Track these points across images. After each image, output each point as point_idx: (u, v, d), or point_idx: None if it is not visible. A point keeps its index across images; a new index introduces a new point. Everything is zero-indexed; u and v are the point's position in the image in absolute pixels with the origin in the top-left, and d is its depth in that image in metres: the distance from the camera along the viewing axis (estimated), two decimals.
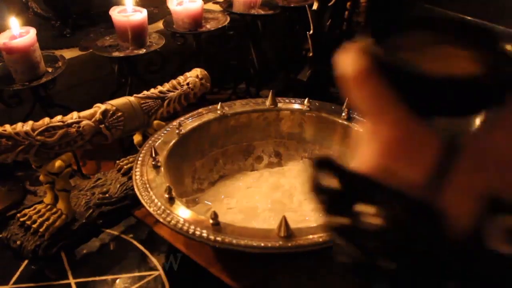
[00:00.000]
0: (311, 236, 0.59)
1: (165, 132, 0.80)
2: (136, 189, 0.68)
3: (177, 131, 0.79)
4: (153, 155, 0.73)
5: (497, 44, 0.28)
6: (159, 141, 0.78)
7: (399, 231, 0.25)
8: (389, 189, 0.25)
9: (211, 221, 0.61)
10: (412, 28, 0.29)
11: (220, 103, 0.86)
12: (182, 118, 0.83)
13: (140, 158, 0.74)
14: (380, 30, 0.27)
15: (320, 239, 0.59)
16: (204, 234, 0.60)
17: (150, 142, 0.78)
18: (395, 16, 0.29)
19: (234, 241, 0.59)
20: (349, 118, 0.84)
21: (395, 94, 0.26)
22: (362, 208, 0.25)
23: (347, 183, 0.26)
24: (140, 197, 0.67)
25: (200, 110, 0.85)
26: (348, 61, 0.27)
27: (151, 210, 0.64)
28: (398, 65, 0.26)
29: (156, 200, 0.65)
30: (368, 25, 0.24)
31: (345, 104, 0.84)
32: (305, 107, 0.87)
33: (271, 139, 0.89)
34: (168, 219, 0.62)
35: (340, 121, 0.84)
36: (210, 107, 0.87)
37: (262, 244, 0.58)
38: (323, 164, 0.27)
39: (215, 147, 0.85)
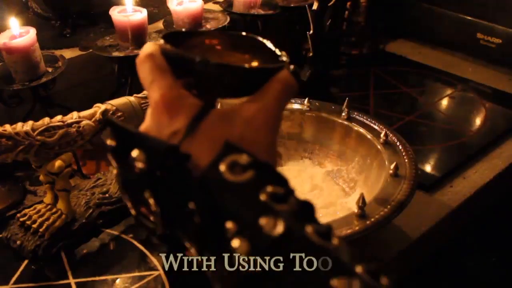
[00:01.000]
0: None
1: None
2: None
3: None
4: None
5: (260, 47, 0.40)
6: None
7: (157, 170, 0.32)
8: (153, 139, 0.34)
9: None
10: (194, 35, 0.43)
11: (220, 103, 0.86)
12: None
13: None
14: (169, 36, 0.39)
15: None
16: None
17: None
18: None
19: None
20: (349, 118, 0.84)
21: (166, 69, 0.36)
22: (132, 154, 0.33)
23: (122, 138, 0.34)
24: None
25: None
26: (145, 46, 0.37)
27: None
28: (178, 52, 0.37)
29: None
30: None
31: (345, 104, 0.84)
32: (305, 107, 0.87)
33: None
34: None
35: (340, 121, 0.84)
36: None
37: None
38: (108, 123, 0.35)
39: None
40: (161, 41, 0.38)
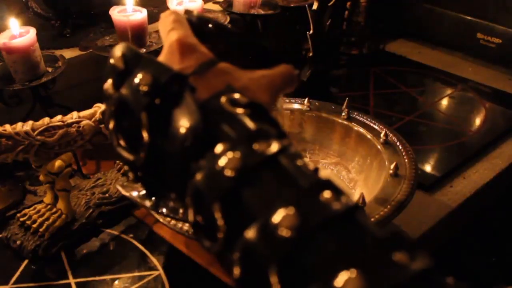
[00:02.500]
0: None
1: None
2: None
3: None
4: None
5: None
6: None
7: (158, 95, 0.33)
8: (161, 64, 0.34)
9: None
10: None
11: None
12: None
13: None
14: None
15: None
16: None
17: None
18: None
19: None
20: (349, 118, 0.84)
21: (187, 25, 0.39)
22: (138, 77, 0.33)
23: (131, 61, 0.34)
24: None
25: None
26: (167, 13, 0.40)
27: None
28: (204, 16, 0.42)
29: None
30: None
31: (345, 104, 0.84)
32: (305, 107, 0.87)
33: None
34: (168, 219, 0.62)
35: (340, 121, 0.84)
36: None
37: None
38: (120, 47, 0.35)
39: None
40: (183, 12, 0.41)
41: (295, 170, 0.29)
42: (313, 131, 0.87)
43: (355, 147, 0.82)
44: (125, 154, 0.35)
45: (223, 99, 0.32)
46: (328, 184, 0.28)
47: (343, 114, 0.84)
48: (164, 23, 0.39)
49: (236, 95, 0.33)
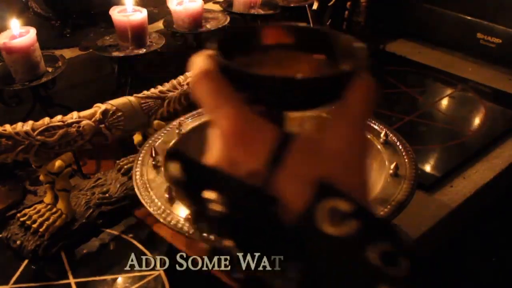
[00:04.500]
0: None
1: (165, 132, 0.80)
2: (136, 189, 0.68)
3: (177, 131, 0.79)
4: (153, 155, 0.73)
5: (333, 44, 0.34)
6: (159, 141, 0.78)
7: (238, 215, 0.28)
8: (230, 177, 0.29)
9: None
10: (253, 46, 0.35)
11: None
12: (182, 118, 0.83)
13: (140, 158, 0.74)
14: (224, 43, 0.33)
15: None
16: (205, 234, 0.60)
17: (150, 142, 0.78)
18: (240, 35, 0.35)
19: None
20: None
21: (232, 91, 0.30)
22: (207, 195, 0.28)
23: (193, 173, 0.29)
24: (140, 197, 0.67)
25: (200, 110, 0.85)
26: (196, 61, 0.31)
27: (151, 210, 0.64)
28: (238, 68, 0.31)
29: (156, 200, 0.65)
30: (213, 40, 0.32)
31: None
32: None
33: None
34: (168, 219, 0.62)
35: None
36: None
37: None
38: (173, 156, 0.30)
39: None
40: (213, 49, 0.32)
41: None
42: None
43: None
44: (224, 260, 0.31)
45: (319, 216, 0.26)
46: None
47: None
48: (202, 95, 0.31)
49: (334, 203, 0.26)
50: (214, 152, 0.30)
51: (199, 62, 0.31)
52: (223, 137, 0.30)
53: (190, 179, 0.29)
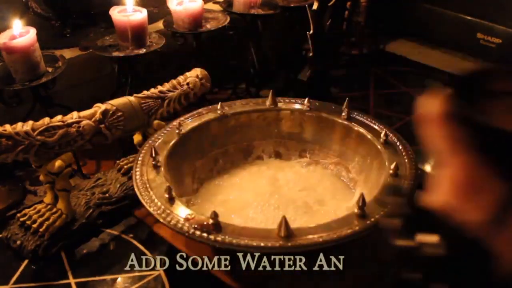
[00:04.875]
0: (310, 236, 0.59)
1: (165, 132, 0.80)
2: (136, 189, 0.68)
3: (177, 131, 0.79)
4: (153, 155, 0.73)
5: None
6: (159, 141, 0.78)
7: (453, 262, 0.28)
8: (452, 223, 0.29)
9: (211, 221, 0.61)
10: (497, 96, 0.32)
11: (220, 103, 0.86)
12: (182, 118, 0.83)
13: (140, 158, 0.74)
14: (465, 90, 0.31)
15: (320, 239, 0.59)
16: (204, 234, 0.60)
17: (150, 142, 0.78)
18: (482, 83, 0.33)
19: (234, 241, 0.59)
20: (349, 118, 0.84)
21: (468, 141, 0.29)
22: (425, 238, 0.29)
23: (414, 216, 0.31)
24: (140, 197, 0.67)
25: (200, 110, 0.85)
26: (432, 103, 0.31)
27: (151, 210, 0.64)
28: (482, 120, 0.29)
29: (156, 200, 0.65)
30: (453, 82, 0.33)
31: (345, 104, 0.84)
32: (305, 107, 0.87)
33: (271, 139, 0.89)
34: (168, 219, 0.62)
35: (340, 121, 0.84)
36: (210, 107, 0.86)
37: (262, 244, 0.58)
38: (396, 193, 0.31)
39: (215, 147, 0.85)
40: (446, 92, 0.31)
41: None
42: (313, 131, 0.87)
43: (355, 147, 0.82)
44: None
45: None
46: None
47: (343, 114, 0.84)
48: (434, 138, 0.31)
49: None
50: (440, 195, 0.31)
51: (433, 103, 0.31)
52: (451, 183, 0.30)
53: (413, 217, 0.31)
